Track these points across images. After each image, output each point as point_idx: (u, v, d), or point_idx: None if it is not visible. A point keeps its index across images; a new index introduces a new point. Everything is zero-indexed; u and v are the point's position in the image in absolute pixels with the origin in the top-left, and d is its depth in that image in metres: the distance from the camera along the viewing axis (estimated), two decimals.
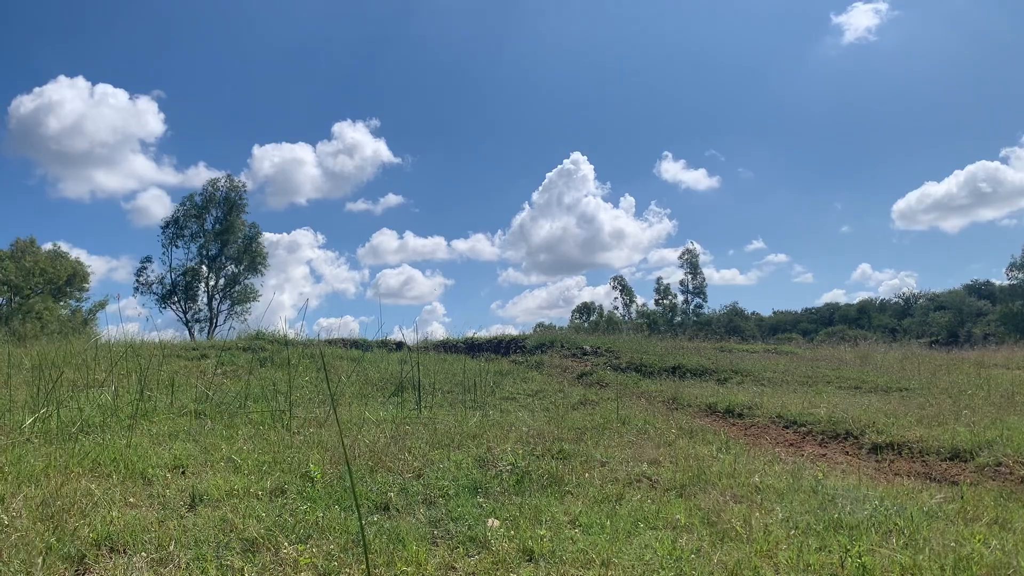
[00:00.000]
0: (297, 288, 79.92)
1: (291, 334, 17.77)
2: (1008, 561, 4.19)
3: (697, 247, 73.26)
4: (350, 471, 4.03)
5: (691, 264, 71.55)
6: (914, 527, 4.85)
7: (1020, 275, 62.32)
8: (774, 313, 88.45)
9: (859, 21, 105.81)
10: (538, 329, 31.82)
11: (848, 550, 4.20)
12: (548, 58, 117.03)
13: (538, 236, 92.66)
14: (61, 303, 49.37)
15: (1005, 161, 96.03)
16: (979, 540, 4.53)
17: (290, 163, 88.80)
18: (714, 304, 76.18)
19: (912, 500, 5.77)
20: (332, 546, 4.19)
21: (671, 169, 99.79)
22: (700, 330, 36.28)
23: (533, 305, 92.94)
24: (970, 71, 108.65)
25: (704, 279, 71.98)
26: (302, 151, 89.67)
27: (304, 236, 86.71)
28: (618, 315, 74.00)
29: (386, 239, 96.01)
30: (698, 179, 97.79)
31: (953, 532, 4.77)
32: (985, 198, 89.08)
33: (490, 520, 4.84)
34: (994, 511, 5.46)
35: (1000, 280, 69.88)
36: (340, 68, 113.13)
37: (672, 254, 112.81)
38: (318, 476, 5.67)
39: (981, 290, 75.75)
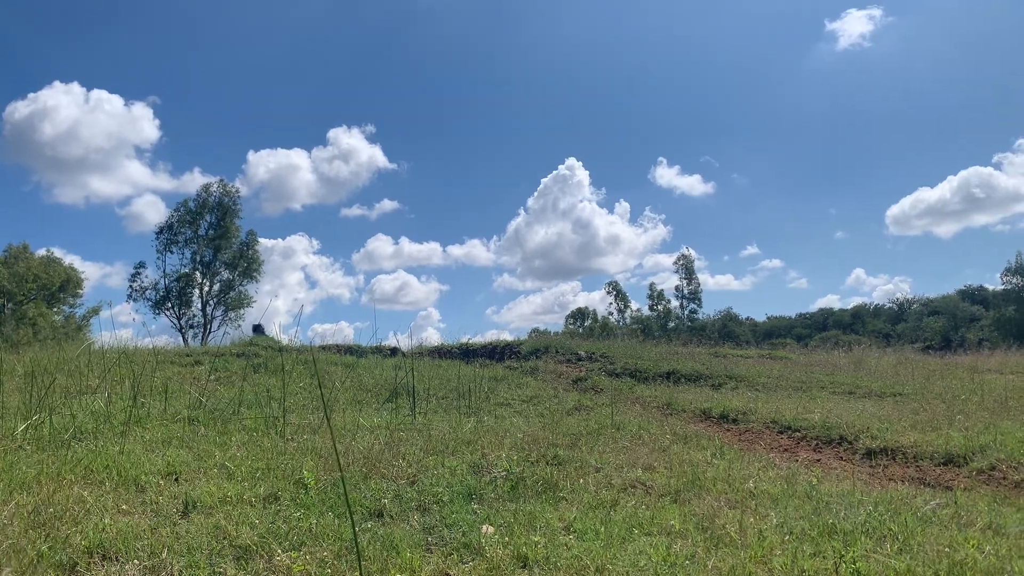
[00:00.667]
0: (292, 294, 79.79)
1: (285, 340, 17.68)
2: (1002, 566, 4.20)
3: (692, 252, 73.20)
4: (343, 478, 4.02)
5: (686, 269, 71.67)
6: (908, 532, 4.86)
7: (1015, 280, 62.61)
8: (768, 318, 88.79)
9: (853, 27, 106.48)
10: (533, 335, 31.78)
11: (842, 556, 4.21)
12: (543, 64, 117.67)
13: (533, 242, 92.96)
14: (54, 309, 49.10)
15: (998, 167, 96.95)
16: (973, 545, 4.54)
17: (285, 169, 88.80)
18: (708, 309, 76.36)
19: (906, 505, 5.78)
20: (326, 553, 4.17)
21: (666, 175, 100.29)
22: (694, 335, 36.41)
23: (528, 310, 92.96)
24: (963, 77, 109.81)
25: (699, 284, 72.06)
26: (297, 157, 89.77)
27: (299, 242, 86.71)
28: (613, 320, 74.05)
29: (381, 245, 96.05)
30: (693, 185, 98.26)
31: (947, 537, 4.78)
32: (978, 203, 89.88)
33: (484, 526, 4.83)
34: (988, 516, 5.46)
35: (994, 285, 70.36)
36: (335, 74, 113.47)
37: (667, 260, 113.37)
38: (312, 483, 5.64)
39: (974, 295, 76.26)
